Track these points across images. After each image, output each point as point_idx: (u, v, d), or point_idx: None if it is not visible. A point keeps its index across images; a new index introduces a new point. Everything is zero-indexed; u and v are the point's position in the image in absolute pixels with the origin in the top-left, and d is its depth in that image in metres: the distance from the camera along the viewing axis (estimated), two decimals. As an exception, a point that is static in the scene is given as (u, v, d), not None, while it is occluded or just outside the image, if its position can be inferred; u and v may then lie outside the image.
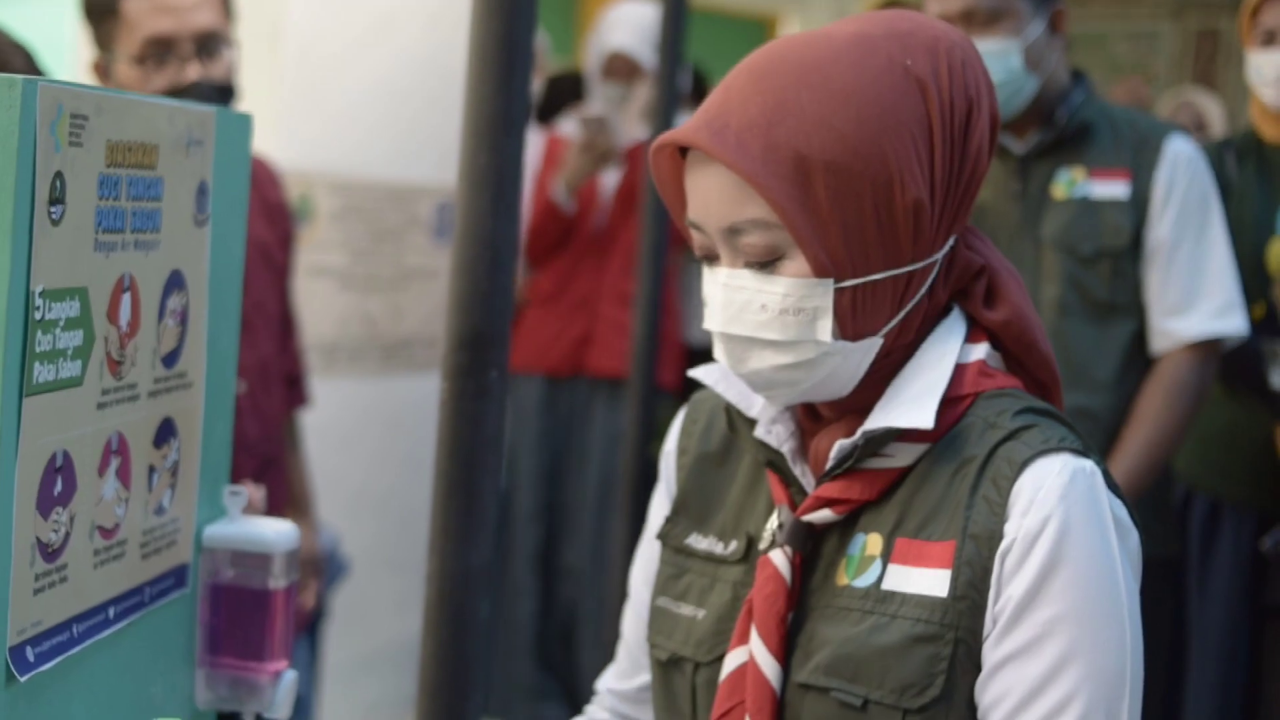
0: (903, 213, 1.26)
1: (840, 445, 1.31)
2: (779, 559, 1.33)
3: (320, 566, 2.96)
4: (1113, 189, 2.63)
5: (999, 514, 1.25)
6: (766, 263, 1.28)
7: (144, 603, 1.41)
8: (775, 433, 1.38)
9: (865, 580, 1.29)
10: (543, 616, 4.10)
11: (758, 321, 1.28)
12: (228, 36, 2.44)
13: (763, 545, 1.35)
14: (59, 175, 1.19)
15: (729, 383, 1.41)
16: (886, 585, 1.28)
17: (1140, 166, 2.62)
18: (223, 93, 2.39)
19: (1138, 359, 2.65)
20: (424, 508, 1.67)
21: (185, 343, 1.43)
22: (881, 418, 1.30)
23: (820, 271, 1.26)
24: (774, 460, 1.37)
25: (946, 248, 1.32)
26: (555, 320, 4.05)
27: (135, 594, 1.39)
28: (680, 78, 3.08)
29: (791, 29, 8.24)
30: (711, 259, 1.33)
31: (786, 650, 1.31)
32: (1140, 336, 2.65)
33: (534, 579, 4.09)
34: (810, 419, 1.38)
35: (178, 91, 2.32)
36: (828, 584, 1.32)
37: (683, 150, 1.33)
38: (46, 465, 1.22)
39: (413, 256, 4.02)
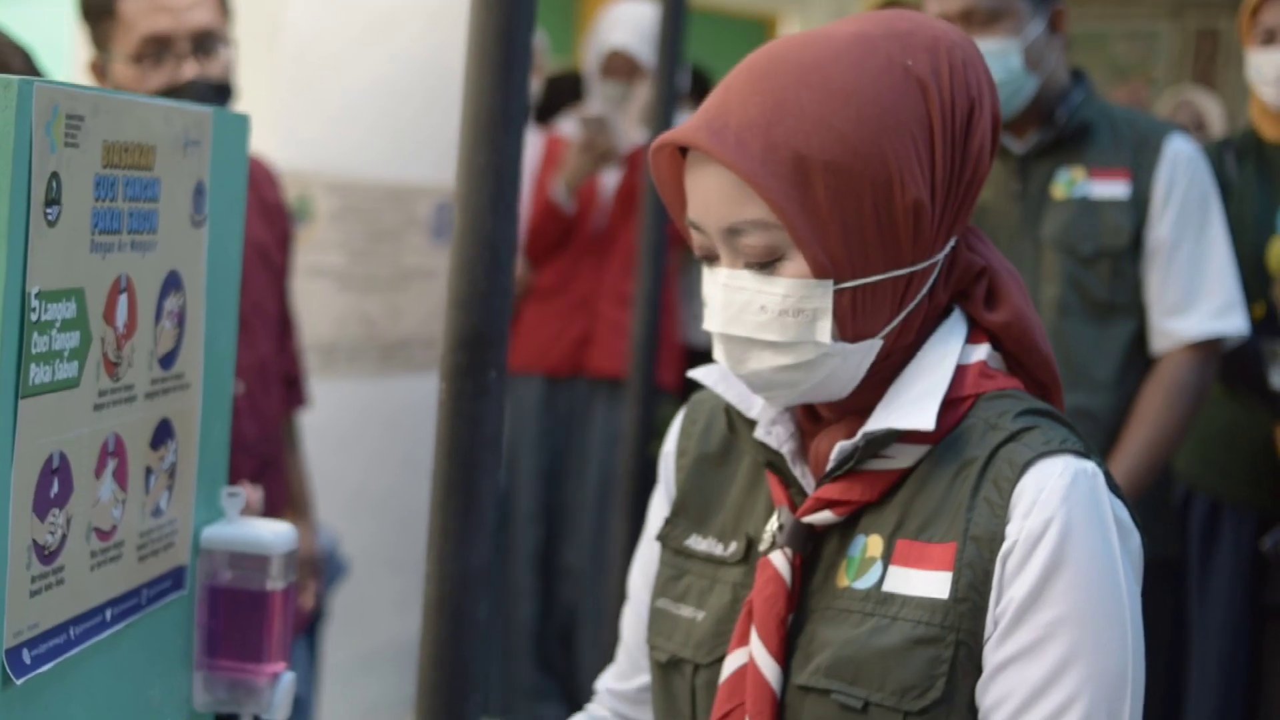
0: (903, 213, 1.26)
1: (841, 447, 1.30)
2: (779, 560, 1.32)
3: (319, 567, 2.96)
4: (1112, 189, 2.62)
5: (1000, 516, 1.25)
6: (766, 263, 1.27)
7: (141, 605, 1.40)
8: (775, 434, 1.37)
9: (866, 582, 1.29)
10: (542, 617, 4.10)
11: (757, 322, 1.28)
12: (225, 35, 2.43)
13: (763, 547, 1.35)
14: (55, 176, 1.19)
15: (728, 383, 1.41)
16: (887, 587, 1.27)
17: (1140, 166, 2.62)
18: (220, 91, 2.39)
19: (1138, 359, 2.65)
20: (423, 508, 1.67)
21: (182, 344, 1.43)
22: (882, 419, 1.29)
23: (820, 272, 1.26)
24: (774, 461, 1.37)
25: (947, 249, 1.32)
26: (555, 320, 4.04)
27: (133, 596, 1.38)
28: (679, 78, 3.08)
29: (791, 29, 8.24)
30: (711, 259, 1.32)
31: (787, 652, 1.31)
32: (1140, 336, 2.65)
33: (534, 579, 4.09)
34: (810, 420, 1.38)
35: (174, 90, 2.32)
36: (828, 586, 1.31)
37: (683, 150, 1.32)
38: (43, 467, 1.21)
39: (411, 257, 4.02)
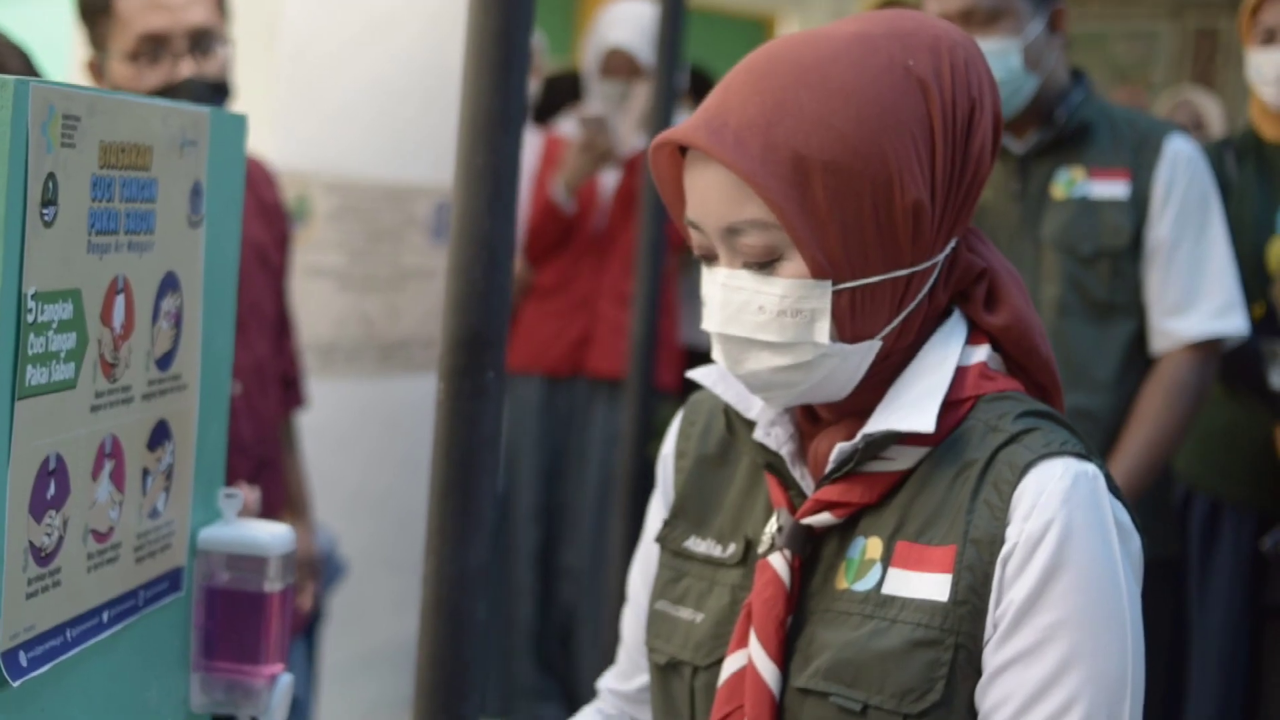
0: (902, 214, 1.25)
1: (840, 448, 1.30)
2: (778, 562, 1.32)
3: (317, 568, 2.95)
4: (1112, 189, 2.62)
5: (1000, 518, 1.24)
6: (765, 263, 1.27)
7: (138, 606, 1.40)
8: (774, 435, 1.37)
9: (865, 584, 1.28)
10: (542, 617, 4.09)
11: (755, 322, 1.27)
12: (222, 34, 2.43)
13: (761, 548, 1.34)
14: (51, 176, 1.18)
15: (727, 384, 1.40)
16: (886, 590, 1.27)
17: (1140, 166, 2.62)
18: (217, 90, 2.38)
19: (1137, 359, 2.65)
20: (421, 508, 1.66)
21: (180, 345, 1.42)
22: (882, 420, 1.29)
23: (818, 273, 1.25)
24: (773, 462, 1.37)
25: (947, 250, 1.31)
26: (555, 320, 4.04)
27: (129, 598, 1.38)
28: (678, 78, 3.07)
29: (790, 29, 8.23)
30: (710, 259, 1.32)
31: (785, 654, 1.30)
32: (1140, 336, 2.64)
33: (533, 580, 4.08)
34: (809, 421, 1.37)
35: (171, 88, 2.32)
36: (827, 588, 1.31)
37: (682, 149, 1.32)
38: (39, 468, 1.21)
39: (410, 256, 4.02)
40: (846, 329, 1.27)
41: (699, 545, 1.43)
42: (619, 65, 4.09)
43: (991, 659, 1.24)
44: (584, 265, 4.04)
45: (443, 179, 3.81)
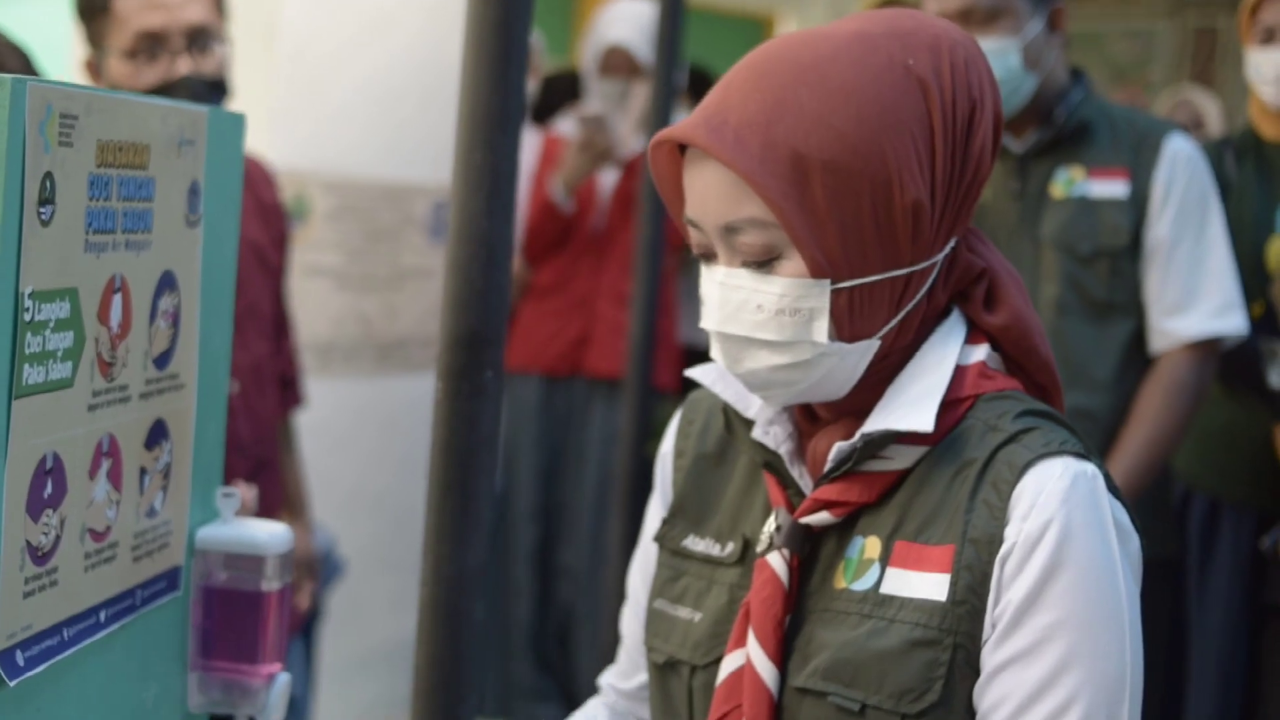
0: (901, 213, 1.25)
1: (839, 447, 1.30)
2: (776, 562, 1.32)
3: (315, 567, 2.95)
4: (1111, 188, 2.62)
5: (999, 518, 1.24)
6: (763, 262, 1.27)
7: (136, 606, 1.40)
8: (773, 434, 1.36)
9: (863, 584, 1.28)
10: (540, 617, 4.09)
11: (754, 321, 1.27)
12: (219, 32, 2.43)
13: (760, 548, 1.34)
14: (49, 175, 1.18)
15: (726, 382, 1.40)
16: (885, 589, 1.27)
17: (1139, 165, 2.61)
18: (214, 88, 2.38)
19: (1136, 358, 2.64)
20: (419, 507, 1.66)
21: (177, 344, 1.42)
22: (880, 420, 1.29)
23: (817, 272, 1.25)
24: (771, 461, 1.36)
25: (947, 249, 1.31)
26: (553, 320, 4.04)
27: (127, 597, 1.38)
28: (677, 77, 3.07)
29: (788, 28, 8.23)
30: (709, 257, 1.31)
31: (784, 654, 1.30)
32: (1139, 336, 2.64)
33: (531, 579, 4.08)
34: (808, 420, 1.37)
35: (168, 86, 2.32)
36: (825, 587, 1.31)
37: (682, 147, 1.32)
38: (36, 467, 1.21)
39: (408, 256, 4.01)
40: (845, 328, 1.27)
41: (697, 544, 1.42)
42: (618, 63, 4.08)
43: (990, 659, 1.23)
44: (582, 265, 4.03)
45: (441, 178, 3.81)
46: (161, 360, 1.40)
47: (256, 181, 2.70)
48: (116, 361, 1.31)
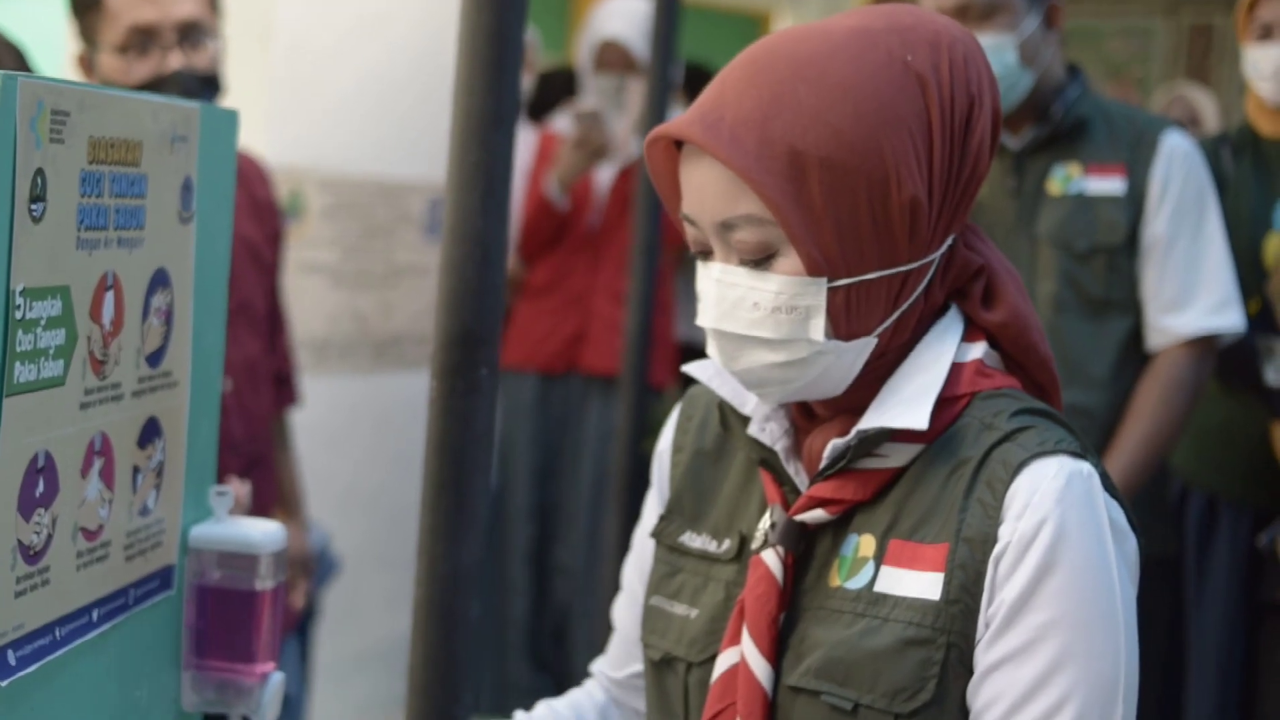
0: (899, 211, 1.25)
1: (834, 445, 1.29)
2: (771, 559, 1.31)
3: (310, 565, 2.94)
4: (1108, 184, 2.61)
5: (993, 517, 1.23)
6: (760, 259, 1.26)
7: (128, 605, 1.39)
8: (769, 430, 1.36)
9: (858, 582, 1.28)
10: (536, 615, 4.09)
11: (750, 319, 1.27)
12: (212, 28, 2.42)
13: (755, 545, 1.33)
14: (40, 172, 1.17)
15: (722, 379, 1.40)
16: (879, 588, 1.26)
17: (1136, 162, 2.61)
18: (206, 83, 2.38)
19: (1133, 355, 2.64)
20: (414, 505, 1.66)
21: (170, 341, 1.41)
22: (876, 418, 1.28)
23: (813, 270, 1.24)
24: (767, 459, 1.36)
25: (944, 247, 1.30)
26: (549, 317, 4.03)
27: (119, 596, 1.37)
28: (672, 73, 3.06)
29: (784, 24, 8.23)
30: (705, 254, 1.31)
31: (778, 651, 1.30)
32: (1136, 333, 2.64)
33: (527, 577, 4.08)
34: (804, 417, 1.37)
35: (160, 80, 2.31)
36: (820, 585, 1.30)
37: (678, 143, 1.31)
38: (28, 466, 1.20)
39: (403, 253, 4.01)
40: (841, 326, 1.27)
41: (694, 540, 1.42)
42: (613, 59, 4.07)
43: (983, 658, 1.23)
44: (578, 262, 4.03)
45: (437, 175, 3.80)
46: (154, 358, 1.39)
47: (250, 178, 2.69)
48: (109, 359, 1.30)
